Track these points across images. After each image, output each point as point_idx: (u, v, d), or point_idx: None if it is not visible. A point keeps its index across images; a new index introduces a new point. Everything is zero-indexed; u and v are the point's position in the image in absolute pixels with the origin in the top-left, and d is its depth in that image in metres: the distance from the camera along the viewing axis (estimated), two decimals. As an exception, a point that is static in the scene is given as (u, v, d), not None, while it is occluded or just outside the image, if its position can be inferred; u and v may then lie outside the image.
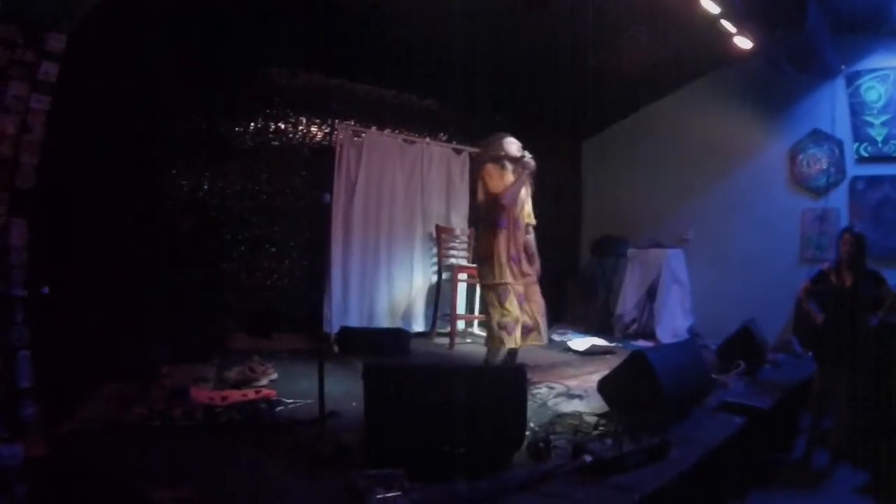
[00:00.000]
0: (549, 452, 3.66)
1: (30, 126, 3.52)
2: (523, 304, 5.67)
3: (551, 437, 3.86)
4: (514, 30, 7.30)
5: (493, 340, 5.58)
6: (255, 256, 7.57)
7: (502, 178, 5.73)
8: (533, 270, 5.92)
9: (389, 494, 2.79)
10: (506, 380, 3.72)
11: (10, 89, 3.49)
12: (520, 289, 5.71)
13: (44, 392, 3.41)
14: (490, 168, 5.77)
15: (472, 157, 8.66)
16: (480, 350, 6.80)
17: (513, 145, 5.84)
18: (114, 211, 5.82)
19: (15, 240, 3.40)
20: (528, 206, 6.01)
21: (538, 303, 5.81)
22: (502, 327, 5.52)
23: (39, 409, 3.36)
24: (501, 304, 5.58)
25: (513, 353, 5.65)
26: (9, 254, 3.37)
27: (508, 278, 5.65)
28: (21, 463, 3.07)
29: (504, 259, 5.68)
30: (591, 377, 5.73)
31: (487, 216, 5.82)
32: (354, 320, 7.41)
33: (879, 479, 5.04)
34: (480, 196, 5.84)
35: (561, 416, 4.59)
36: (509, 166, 5.80)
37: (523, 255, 5.89)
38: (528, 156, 5.81)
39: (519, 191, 5.76)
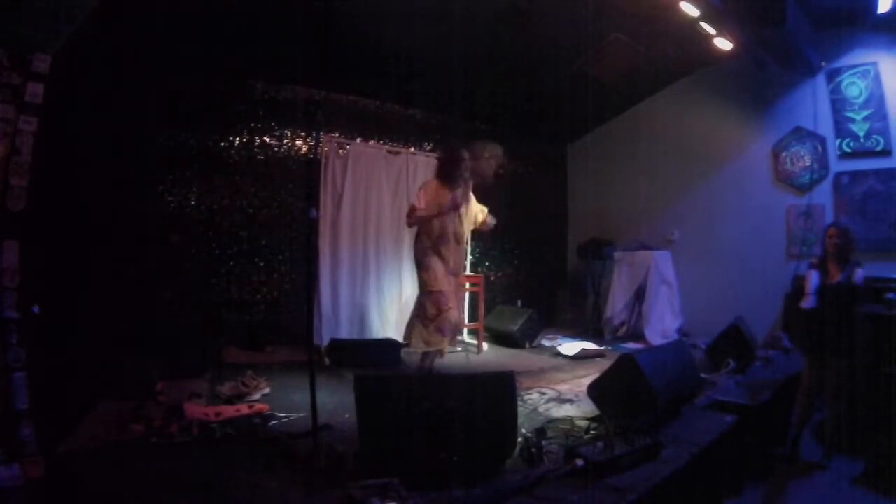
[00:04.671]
0: (542, 457, 3.71)
1: (18, 148, 3.51)
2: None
3: (543, 442, 3.90)
4: (497, 37, 7.36)
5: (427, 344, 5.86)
6: (245, 270, 7.62)
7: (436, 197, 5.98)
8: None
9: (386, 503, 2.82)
10: (496, 387, 3.74)
11: (-2, 112, 3.50)
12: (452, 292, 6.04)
13: (41, 412, 3.41)
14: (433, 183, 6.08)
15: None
16: (471, 358, 6.87)
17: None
18: (104, 229, 5.82)
19: (7, 262, 3.40)
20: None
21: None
22: (438, 329, 5.77)
23: (37, 429, 3.36)
24: (440, 310, 5.79)
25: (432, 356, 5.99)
26: (1, 276, 3.37)
27: (444, 286, 5.90)
28: (20, 485, 3.08)
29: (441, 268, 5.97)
30: (582, 381, 5.80)
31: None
32: (345, 332, 7.39)
33: (878, 470, 5.08)
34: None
35: (552, 420, 4.64)
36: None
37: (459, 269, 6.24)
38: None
39: (430, 215, 5.95)
